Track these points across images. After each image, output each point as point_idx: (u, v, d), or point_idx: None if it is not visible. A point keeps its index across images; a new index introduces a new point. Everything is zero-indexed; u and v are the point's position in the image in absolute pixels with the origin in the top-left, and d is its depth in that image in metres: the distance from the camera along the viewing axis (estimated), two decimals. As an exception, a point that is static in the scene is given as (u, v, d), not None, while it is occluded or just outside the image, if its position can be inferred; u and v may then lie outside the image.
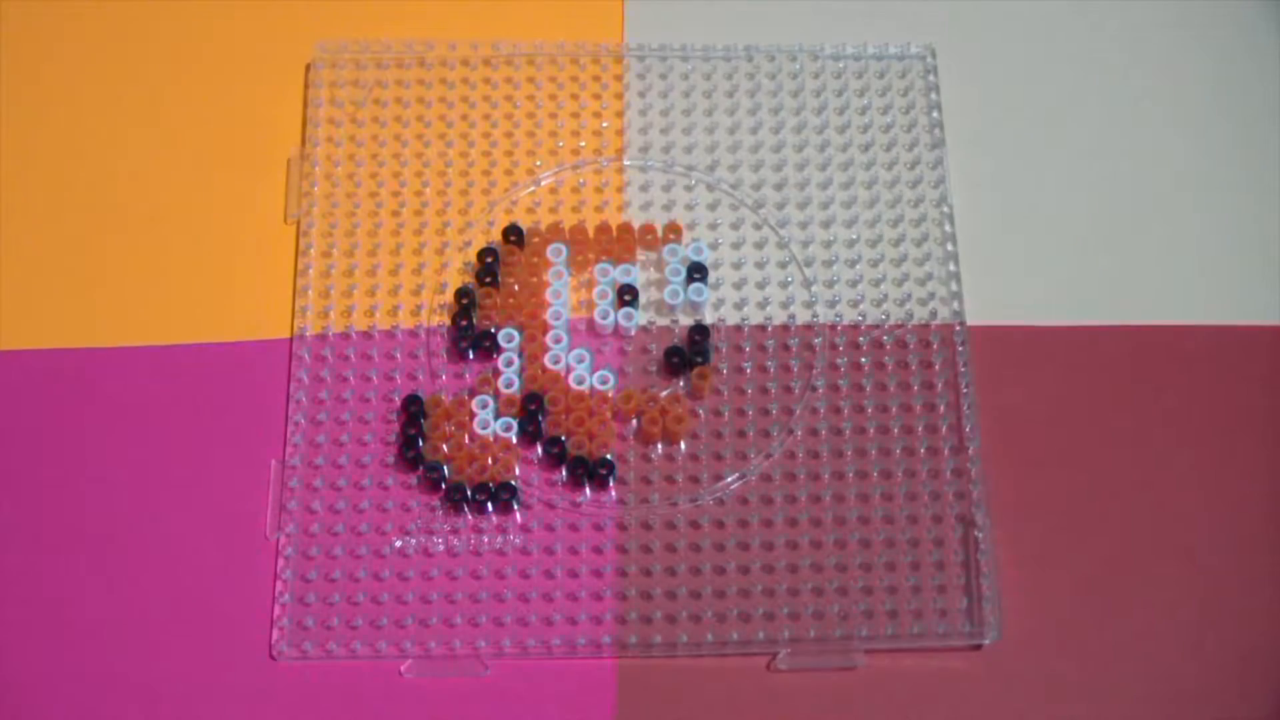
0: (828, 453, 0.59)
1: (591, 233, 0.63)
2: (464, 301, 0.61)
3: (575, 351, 0.61)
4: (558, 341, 0.61)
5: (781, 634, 0.56)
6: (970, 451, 0.59)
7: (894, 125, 0.66)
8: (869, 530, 0.58)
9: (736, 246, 0.63)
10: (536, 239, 0.63)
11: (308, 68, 0.67)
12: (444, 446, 0.59)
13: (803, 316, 0.62)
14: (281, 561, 0.57)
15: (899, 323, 0.62)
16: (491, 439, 0.59)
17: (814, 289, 0.62)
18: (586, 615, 0.56)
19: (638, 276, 0.62)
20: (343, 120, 0.66)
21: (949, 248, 0.63)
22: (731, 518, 0.58)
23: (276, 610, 0.56)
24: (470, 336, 0.61)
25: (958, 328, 0.62)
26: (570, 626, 0.56)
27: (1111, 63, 0.69)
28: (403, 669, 0.56)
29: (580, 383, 0.60)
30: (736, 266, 0.63)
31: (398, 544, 0.57)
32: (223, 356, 0.61)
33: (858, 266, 0.63)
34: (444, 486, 0.58)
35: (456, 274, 0.63)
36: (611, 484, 0.58)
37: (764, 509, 0.58)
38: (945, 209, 0.64)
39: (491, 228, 0.64)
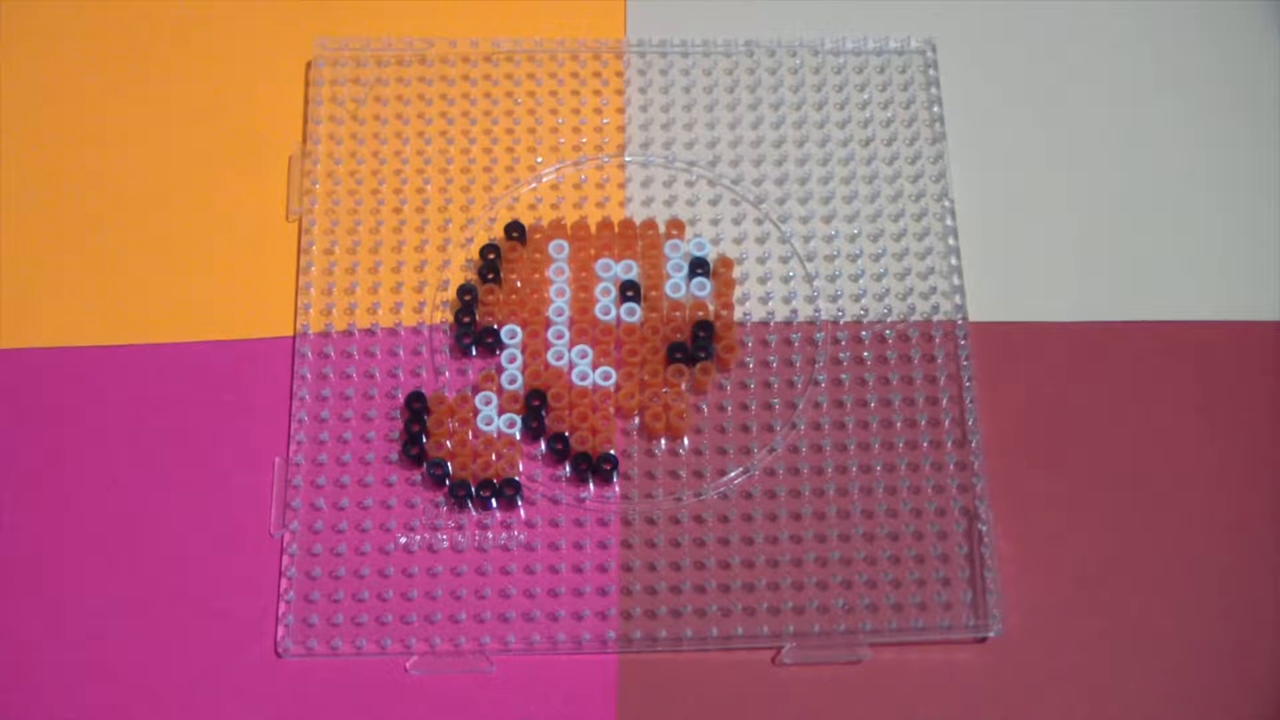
0: (830, 448, 0.59)
1: (593, 229, 0.63)
2: (466, 298, 0.61)
3: (577, 348, 0.61)
4: (559, 338, 0.61)
5: (786, 629, 0.56)
6: (973, 445, 0.59)
7: (895, 120, 0.66)
8: (872, 524, 0.58)
9: (738, 242, 0.64)
10: (538, 235, 0.63)
11: (308, 65, 0.67)
12: (447, 443, 0.59)
13: (805, 312, 0.62)
14: (286, 559, 0.57)
15: (901, 318, 0.62)
16: (494, 435, 0.59)
17: (816, 284, 0.62)
18: (590, 611, 0.56)
19: (639, 272, 0.62)
20: (344, 118, 0.66)
21: (950, 243, 0.63)
22: (735, 513, 0.58)
23: (281, 607, 0.56)
24: (472, 333, 0.61)
25: (960, 323, 0.62)
26: (575, 622, 0.56)
27: (1113, 57, 0.69)
28: (408, 665, 0.56)
29: (582, 379, 0.60)
30: (739, 262, 0.63)
31: (402, 540, 0.57)
32: (225, 354, 0.61)
33: (859, 262, 0.63)
34: (447, 483, 0.58)
35: (458, 271, 0.63)
36: (614, 480, 0.59)
37: (767, 504, 0.58)
38: (946, 204, 0.64)
39: (493, 224, 0.64)
